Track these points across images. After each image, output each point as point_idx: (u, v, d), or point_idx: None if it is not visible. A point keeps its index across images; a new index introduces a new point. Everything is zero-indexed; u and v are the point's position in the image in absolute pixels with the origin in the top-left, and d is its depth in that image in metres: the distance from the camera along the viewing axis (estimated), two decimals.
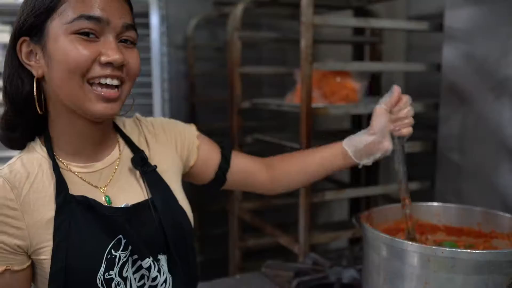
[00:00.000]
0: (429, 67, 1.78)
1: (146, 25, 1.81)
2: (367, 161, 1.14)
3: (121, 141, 1.02)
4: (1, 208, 0.84)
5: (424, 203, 1.26)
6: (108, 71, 0.85)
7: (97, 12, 0.84)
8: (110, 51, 0.85)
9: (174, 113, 2.44)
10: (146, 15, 1.82)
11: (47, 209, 0.87)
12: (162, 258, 0.96)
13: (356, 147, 1.13)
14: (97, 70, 0.85)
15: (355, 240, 2.19)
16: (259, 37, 2.58)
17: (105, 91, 0.86)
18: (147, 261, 0.92)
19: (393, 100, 1.10)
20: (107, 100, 0.87)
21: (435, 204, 1.27)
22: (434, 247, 0.94)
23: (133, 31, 0.90)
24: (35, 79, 0.89)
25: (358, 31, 2.34)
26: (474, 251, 0.93)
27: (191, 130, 1.15)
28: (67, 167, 0.93)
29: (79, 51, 0.83)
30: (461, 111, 1.62)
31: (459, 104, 1.62)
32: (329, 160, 1.16)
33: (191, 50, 2.70)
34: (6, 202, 0.84)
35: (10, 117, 0.92)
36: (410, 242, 0.98)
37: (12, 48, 0.90)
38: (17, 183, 0.86)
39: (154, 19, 1.80)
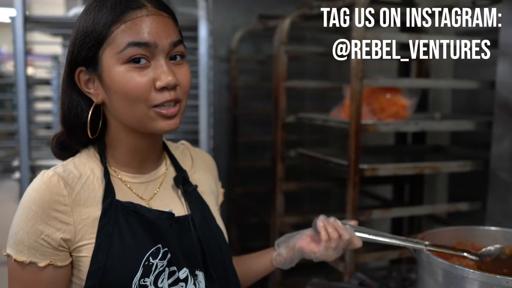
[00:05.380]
0: (482, 84, 1.73)
1: (195, 39, 1.83)
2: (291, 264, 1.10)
3: (168, 159, 1.06)
4: (54, 203, 0.87)
5: (481, 227, 1.21)
6: (166, 96, 0.88)
7: (144, 38, 0.86)
8: (163, 75, 0.87)
9: (217, 125, 2.45)
10: (194, 28, 1.84)
11: (95, 209, 0.91)
12: (200, 275, 0.97)
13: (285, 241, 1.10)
14: (157, 97, 0.88)
15: (397, 259, 2.13)
16: (306, 52, 2.57)
17: (167, 110, 0.89)
18: (185, 271, 0.94)
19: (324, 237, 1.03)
20: (169, 117, 0.90)
21: (493, 228, 1.22)
22: (498, 276, 0.90)
23: (180, 46, 0.92)
24: (93, 105, 0.93)
25: (404, 46, 2.29)
26: None
27: (219, 184, 1.18)
28: (117, 175, 0.97)
29: (135, 80, 0.86)
30: None
31: None
32: (258, 258, 1.14)
33: (234, 62, 2.72)
34: (59, 198, 0.88)
35: (65, 139, 0.98)
36: (472, 270, 0.94)
37: (68, 77, 0.93)
38: (70, 181, 0.90)
39: (203, 33, 1.81)
